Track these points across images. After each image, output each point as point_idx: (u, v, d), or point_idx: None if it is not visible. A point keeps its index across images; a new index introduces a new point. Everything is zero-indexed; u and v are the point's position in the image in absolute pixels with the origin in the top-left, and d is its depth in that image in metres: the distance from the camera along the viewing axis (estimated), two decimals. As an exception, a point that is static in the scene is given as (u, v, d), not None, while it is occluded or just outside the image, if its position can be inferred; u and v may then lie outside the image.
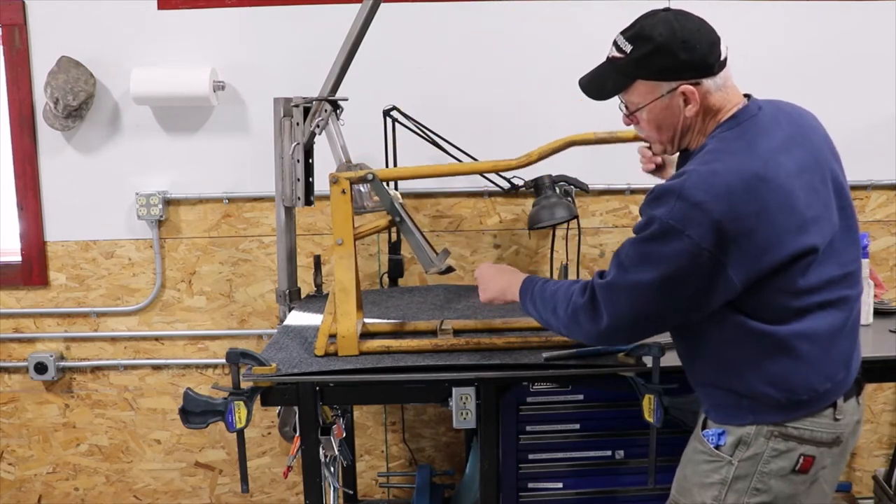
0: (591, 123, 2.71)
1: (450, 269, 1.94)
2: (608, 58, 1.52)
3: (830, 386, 1.45)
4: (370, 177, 1.88)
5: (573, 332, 1.57)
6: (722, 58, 1.46)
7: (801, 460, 1.45)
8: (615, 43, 1.49)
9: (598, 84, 1.55)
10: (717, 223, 1.33)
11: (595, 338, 1.53)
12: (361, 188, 2.15)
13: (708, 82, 1.45)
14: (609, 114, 2.69)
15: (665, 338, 1.70)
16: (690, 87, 1.44)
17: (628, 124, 1.58)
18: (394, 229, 2.67)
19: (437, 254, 1.92)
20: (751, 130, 1.43)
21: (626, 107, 1.54)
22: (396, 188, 2.57)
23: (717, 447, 1.49)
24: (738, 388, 1.47)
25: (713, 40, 1.45)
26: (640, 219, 1.44)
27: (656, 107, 1.48)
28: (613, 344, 1.74)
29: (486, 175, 2.58)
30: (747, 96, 1.52)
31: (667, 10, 1.49)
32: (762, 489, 1.46)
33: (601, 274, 1.50)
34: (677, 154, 1.62)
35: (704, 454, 1.52)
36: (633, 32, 1.46)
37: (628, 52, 1.46)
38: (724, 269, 1.35)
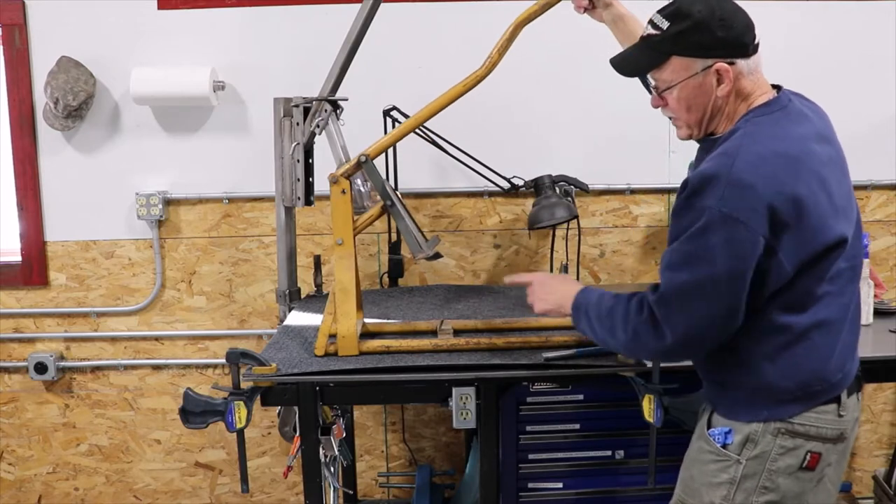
0: (591, 121, 2.73)
1: (437, 256, 1.93)
2: (642, 36, 1.51)
3: (841, 377, 1.46)
4: (363, 159, 1.88)
5: (639, 354, 1.55)
6: (756, 41, 1.46)
7: (808, 457, 1.45)
8: (651, 21, 1.49)
9: (632, 61, 1.54)
10: (770, 207, 1.30)
11: (664, 356, 1.50)
12: (361, 188, 2.15)
13: (741, 63, 1.44)
14: (608, 110, 2.71)
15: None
16: (725, 66, 1.43)
17: (656, 105, 1.55)
18: (394, 230, 2.68)
19: (426, 240, 1.92)
20: (784, 119, 1.43)
21: (657, 86, 1.52)
22: (396, 188, 2.57)
23: (725, 446, 1.48)
24: (753, 382, 1.45)
25: (749, 23, 1.45)
26: (679, 216, 1.39)
27: (689, 85, 1.46)
28: (688, 358, 1.58)
29: (485, 175, 2.58)
30: (776, 87, 1.53)
31: None
32: (771, 487, 1.46)
33: (655, 287, 1.44)
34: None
35: (711, 454, 1.51)
36: (672, 10, 1.46)
37: (665, 28, 1.45)
38: (777, 255, 1.34)
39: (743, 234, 1.31)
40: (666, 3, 1.50)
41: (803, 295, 1.40)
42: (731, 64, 1.43)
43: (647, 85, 1.81)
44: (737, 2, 1.48)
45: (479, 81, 1.92)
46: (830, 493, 1.54)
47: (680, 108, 1.50)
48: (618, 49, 1.69)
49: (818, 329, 1.42)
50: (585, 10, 1.89)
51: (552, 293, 1.69)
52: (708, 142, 1.53)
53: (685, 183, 1.40)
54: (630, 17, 1.90)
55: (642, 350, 1.51)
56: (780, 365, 1.43)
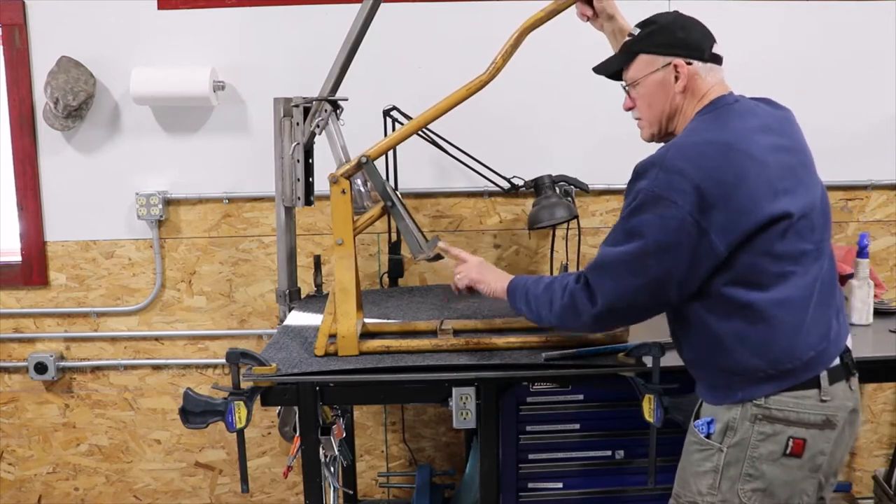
0: (591, 122, 2.73)
1: (438, 257, 1.94)
2: (623, 42, 1.71)
3: (813, 354, 1.49)
4: (364, 160, 1.88)
5: (569, 322, 1.61)
6: (714, 50, 1.61)
7: (790, 443, 1.47)
8: (630, 32, 1.69)
9: (609, 62, 1.73)
10: (697, 188, 1.42)
11: (591, 323, 1.57)
12: (361, 188, 2.14)
13: (698, 65, 1.59)
14: (608, 110, 2.70)
15: (665, 337, 1.70)
16: (682, 62, 1.58)
17: (628, 108, 1.71)
18: (394, 230, 2.68)
19: (426, 240, 1.92)
20: (726, 114, 1.55)
21: (627, 84, 1.68)
22: (397, 188, 2.57)
23: (708, 436, 1.53)
24: (727, 363, 1.51)
25: (707, 34, 1.62)
26: (624, 200, 1.52)
27: (651, 80, 1.62)
28: (610, 328, 1.74)
29: (485, 175, 2.58)
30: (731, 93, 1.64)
31: (675, 12, 1.68)
32: (755, 475, 1.49)
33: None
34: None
35: (696, 444, 1.56)
36: (644, 20, 1.67)
37: (636, 34, 1.66)
38: (707, 234, 1.42)
39: (671, 213, 1.43)
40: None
41: (757, 273, 1.46)
42: (688, 63, 1.59)
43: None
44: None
45: (482, 86, 1.95)
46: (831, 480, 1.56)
47: (643, 104, 1.66)
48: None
49: (782, 307, 1.47)
50: (588, 18, 1.96)
51: (486, 272, 1.86)
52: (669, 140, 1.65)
53: (633, 171, 1.53)
54: (629, 32, 1.94)
55: (575, 316, 1.58)
56: (748, 343, 1.48)
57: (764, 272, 1.46)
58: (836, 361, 1.53)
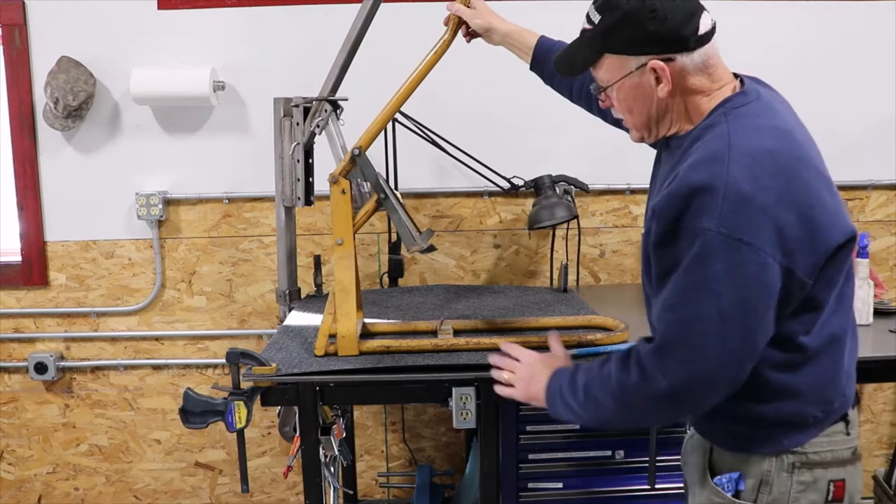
0: (591, 122, 2.72)
1: (431, 248, 1.93)
2: (581, 30, 1.36)
3: (852, 389, 1.34)
4: (357, 151, 1.88)
5: (633, 418, 1.33)
6: (701, 32, 1.26)
7: (831, 488, 1.29)
8: (587, 14, 1.33)
9: (569, 60, 1.40)
10: (776, 219, 1.13)
11: (667, 406, 1.21)
12: (361, 188, 2.14)
13: (683, 59, 1.27)
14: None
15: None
16: (660, 63, 1.26)
17: (605, 106, 1.41)
18: (394, 231, 2.67)
19: (420, 232, 1.91)
20: (765, 111, 1.27)
21: (598, 85, 1.38)
22: (396, 187, 2.57)
23: (737, 494, 1.30)
24: (770, 415, 1.27)
25: (691, 10, 1.26)
26: (663, 231, 1.19)
27: (626, 85, 1.31)
28: (696, 409, 1.27)
29: (485, 175, 2.58)
30: (737, 76, 1.37)
31: None
32: None
33: (648, 339, 1.26)
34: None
35: None
36: (603, 1, 1.30)
37: (597, 22, 1.30)
38: (793, 273, 1.16)
39: (748, 257, 1.12)
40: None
41: (815, 305, 1.23)
42: (668, 61, 1.26)
43: None
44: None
45: (447, 47, 1.89)
46: None
47: (623, 109, 1.37)
48: None
49: (831, 341, 1.27)
50: (472, 37, 1.86)
51: (522, 382, 1.48)
52: (675, 140, 1.36)
53: (667, 189, 1.20)
54: (517, 32, 1.86)
55: (637, 412, 1.27)
56: (796, 387, 1.26)
57: (819, 302, 1.22)
58: None
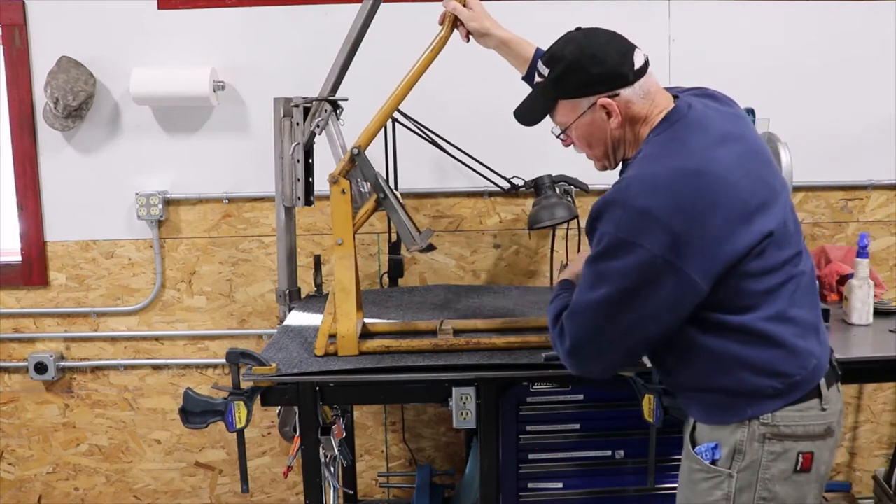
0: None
1: (431, 248, 1.93)
2: (535, 83, 1.58)
3: (815, 361, 1.44)
4: (356, 151, 1.88)
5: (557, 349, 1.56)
6: (637, 66, 1.47)
7: (800, 459, 1.43)
8: (538, 69, 1.55)
9: (530, 111, 1.62)
10: (667, 227, 1.32)
11: (564, 361, 1.50)
12: (361, 188, 2.14)
13: (626, 92, 1.47)
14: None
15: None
16: (608, 100, 1.47)
17: (567, 145, 1.61)
18: (394, 231, 2.67)
19: (419, 232, 1.92)
20: (682, 130, 1.44)
21: (558, 129, 1.59)
22: (396, 187, 2.57)
23: (714, 462, 1.46)
24: (730, 384, 1.43)
25: (624, 50, 1.48)
26: (589, 241, 1.45)
27: (582, 124, 1.52)
28: (583, 372, 1.51)
29: (485, 175, 2.57)
30: (676, 97, 1.52)
31: (577, 29, 1.55)
32: (768, 497, 1.43)
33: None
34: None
35: (702, 472, 1.48)
36: (547, 56, 1.53)
37: (546, 74, 1.52)
38: (684, 273, 1.34)
39: (638, 257, 1.34)
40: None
41: (742, 296, 1.39)
42: (614, 96, 1.47)
43: None
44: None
45: (444, 43, 1.91)
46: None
47: (583, 145, 1.57)
48: None
49: (776, 321, 1.40)
50: (468, 39, 1.91)
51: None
52: (627, 163, 1.56)
53: (592, 208, 1.45)
54: (515, 41, 1.91)
55: (557, 349, 1.53)
56: (750, 363, 1.41)
57: (749, 293, 1.39)
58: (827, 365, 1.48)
